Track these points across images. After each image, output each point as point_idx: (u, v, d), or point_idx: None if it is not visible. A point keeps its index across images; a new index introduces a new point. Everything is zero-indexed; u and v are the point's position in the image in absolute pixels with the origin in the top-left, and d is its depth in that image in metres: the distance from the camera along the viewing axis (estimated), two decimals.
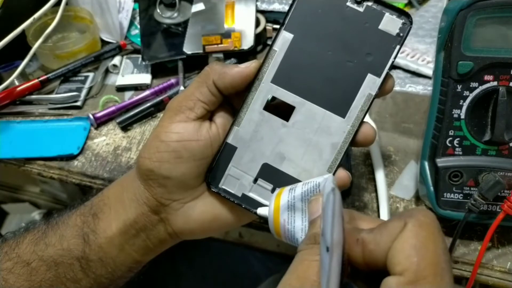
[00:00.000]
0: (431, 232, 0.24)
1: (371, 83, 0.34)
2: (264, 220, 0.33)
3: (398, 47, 0.34)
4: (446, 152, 0.41)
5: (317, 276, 0.24)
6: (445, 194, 0.42)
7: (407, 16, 0.34)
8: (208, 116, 0.36)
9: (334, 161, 0.35)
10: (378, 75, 0.34)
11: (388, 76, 0.34)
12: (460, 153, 0.41)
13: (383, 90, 0.35)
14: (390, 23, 0.34)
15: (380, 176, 0.48)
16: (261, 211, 0.34)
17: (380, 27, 0.34)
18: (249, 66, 0.35)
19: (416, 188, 0.48)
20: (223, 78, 0.34)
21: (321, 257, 0.25)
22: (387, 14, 0.34)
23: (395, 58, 0.34)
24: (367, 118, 0.35)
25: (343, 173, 0.35)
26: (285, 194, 0.32)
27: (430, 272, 0.22)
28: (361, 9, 0.34)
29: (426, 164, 0.43)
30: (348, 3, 0.34)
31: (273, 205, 0.32)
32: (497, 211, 0.40)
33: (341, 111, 0.35)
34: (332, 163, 0.35)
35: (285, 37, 0.35)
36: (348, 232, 0.26)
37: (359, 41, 0.34)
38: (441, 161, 0.41)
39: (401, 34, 0.34)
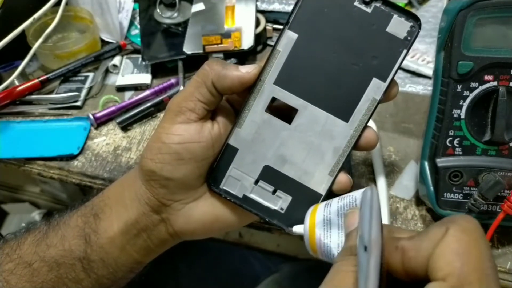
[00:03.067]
0: (474, 237, 0.22)
1: (375, 88, 0.33)
2: (300, 237, 0.33)
3: (405, 51, 0.33)
4: (446, 152, 0.42)
5: (353, 286, 0.24)
6: (445, 194, 0.42)
7: (416, 19, 0.32)
8: (209, 115, 0.36)
9: (336, 165, 0.35)
10: (383, 80, 0.33)
11: (393, 81, 0.33)
12: (460, 153, 0.41)
13: (388, 96, 0.34)
14: (398, 26, 0.33)
15: (380, 176, 0.48)
16: (296, 229, 0.34)
17: (388, 29, 0.33)
18: (250, 72, 0.34)
19: (416, 188, 0.48)
20: (222, 80, 0.33)
21: (359, 259, 0.24)
22: (395, 16, 0.33)
23: (401, 62, 0.33)
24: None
25: (344, 178, 0.35)
26: (320, 210, 0.32)
27: (474, 277, 0.21)
28: (368, 10, 0.33)
29: (426, 164, 0.43)
30: (356, 3, 0.33)
31: (309, 221, 0.32)
32: (497, 211, 0.40)
33: (345, 115, 0.34)
34: (333, 167, 0.35)
35: (289, 37, 0.34)
36: (387, 240, 0.25)
37: (365, 43, 0.33)
38: (441, 161, 0.41)
39: (409, 38, 0.33)
